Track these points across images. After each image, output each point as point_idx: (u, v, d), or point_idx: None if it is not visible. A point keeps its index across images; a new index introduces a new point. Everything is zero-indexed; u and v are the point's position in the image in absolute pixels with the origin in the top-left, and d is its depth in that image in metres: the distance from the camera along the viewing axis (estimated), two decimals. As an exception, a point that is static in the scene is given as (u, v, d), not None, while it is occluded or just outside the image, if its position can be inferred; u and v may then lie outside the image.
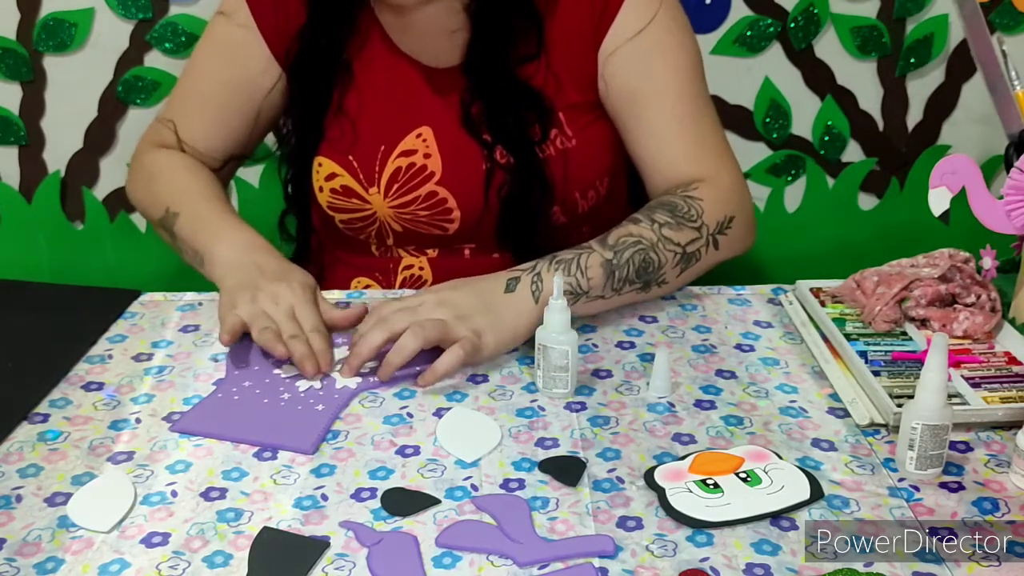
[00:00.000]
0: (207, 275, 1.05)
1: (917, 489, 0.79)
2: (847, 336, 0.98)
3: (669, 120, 1.10)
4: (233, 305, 0.97)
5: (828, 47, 1.51)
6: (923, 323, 1.00)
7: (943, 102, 1.56)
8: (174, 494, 0.78)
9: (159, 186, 1.14)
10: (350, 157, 1.11)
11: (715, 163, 1.10)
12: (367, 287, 1.18)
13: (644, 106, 1.10)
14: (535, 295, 0.96)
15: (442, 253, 1.16)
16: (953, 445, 0.82)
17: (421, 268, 1.16)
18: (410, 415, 0.89)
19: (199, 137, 1.16)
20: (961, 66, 1.52)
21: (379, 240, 1.16)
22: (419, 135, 1.10)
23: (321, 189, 1.13)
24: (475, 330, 0.93)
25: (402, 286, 1.17)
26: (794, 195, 1.60)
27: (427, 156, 1.10)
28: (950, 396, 0.84)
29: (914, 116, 1.57)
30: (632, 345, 1.00)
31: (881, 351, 0.95)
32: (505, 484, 0.79)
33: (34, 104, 1.47)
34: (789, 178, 1.58)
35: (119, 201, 1.53)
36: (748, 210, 1.11)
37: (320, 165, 1.12)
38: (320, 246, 1.24)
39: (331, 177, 1.12)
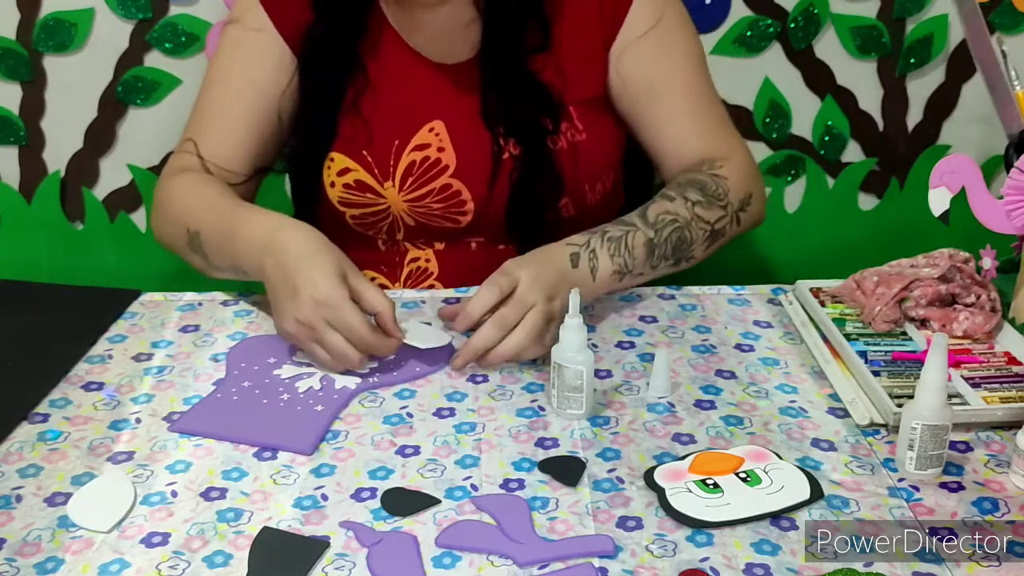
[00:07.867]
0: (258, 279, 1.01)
1: (917, 489, 0.79)
2: (847, 336, 0.98)
3: (686, 108, 1.16)
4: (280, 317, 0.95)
5: (828, 47, 1.51)
6: (923, 323, 1.00)
7: (943, 102, 1.56)
8: (174, 494, 0.78)
9: (175, 212, 1.08)
10: (364, 152, 1.11)
11: (729, 143, 1.17)
12: (372, 280, 1.18)
13: (660, 97, 1.15)
14: (593, 273, 1.01)
15: (449, 245, 1.16)
16: (953, 445, 0.82)
17: (427, 260, 1.17)
18: (410, 415, 0.89)
19: (223, 151, 1.11)
20: (961, 66, 1.52)
21: (388, 235, 1.16)
22: (431, 129, 1.11)
23: (333, 184, 1.13)
24: (557, 310, 0.96)
25: (407, 279, 1.17)
26: (794, 195, 1.60)
27: (440, 149, 1.11)
28: (950, 396, 0.84)
29: (914, 116, 1.56)
30: (632, 345, 1.00)
31: (881, 351, 0.95)
32: (505, 484, 0.79)
33: (34, 104, 1.47)
34: (789, 178, 1.58)
35: (119, 201, 1.53)
36: (762, 186, 1.18)
37: (332, 160, 1.12)
38: None
39: (344, 172, 1.12)
